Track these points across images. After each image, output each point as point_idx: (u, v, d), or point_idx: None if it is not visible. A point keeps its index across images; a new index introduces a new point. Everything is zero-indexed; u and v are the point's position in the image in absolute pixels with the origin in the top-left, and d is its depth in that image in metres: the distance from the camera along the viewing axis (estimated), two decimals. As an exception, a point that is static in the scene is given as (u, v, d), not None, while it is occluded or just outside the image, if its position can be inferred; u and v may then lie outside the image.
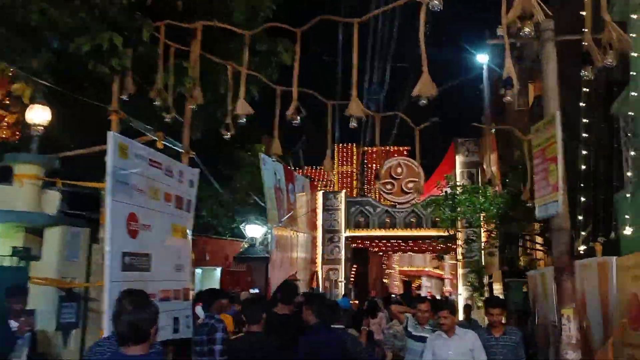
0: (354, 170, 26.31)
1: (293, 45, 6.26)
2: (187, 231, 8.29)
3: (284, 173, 16.33)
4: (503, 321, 6.05)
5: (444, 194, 15.96)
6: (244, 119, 5.99)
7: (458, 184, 13.68)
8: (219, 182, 16.94)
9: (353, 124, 5.36)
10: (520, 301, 12.24)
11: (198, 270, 15.22)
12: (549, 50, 5.17)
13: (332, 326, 5.90)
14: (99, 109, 7.70)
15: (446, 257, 43.97)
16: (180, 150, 8.13)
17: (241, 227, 15.25)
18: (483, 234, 15.12)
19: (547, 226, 10.32)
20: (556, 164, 4.92)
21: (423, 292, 40.35)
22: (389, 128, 27.11)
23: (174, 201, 7.67)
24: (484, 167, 18.89)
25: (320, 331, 5.35)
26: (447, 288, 42.77)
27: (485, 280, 17.33)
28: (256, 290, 11.40)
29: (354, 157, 26.28)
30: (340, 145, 25.76)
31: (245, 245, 14.81)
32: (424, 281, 42.28)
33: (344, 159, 26.05)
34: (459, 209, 12.12)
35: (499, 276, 13.01)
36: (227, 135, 6.75)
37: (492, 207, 10.61)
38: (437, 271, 42.83)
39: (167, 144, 7.73)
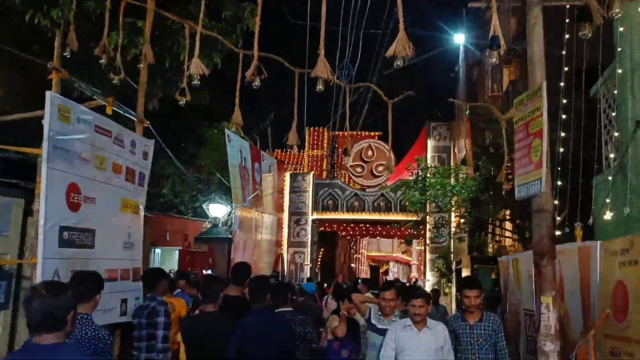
0: (324, 154, 26.01)
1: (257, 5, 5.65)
2: (140, 207, 7.66)
3: (250, 151, 15.71)
4: (480, 306, 5.19)
5: (414, 176, 15.61)
6: (198, 80, 5.37)
7: (429, 166, 13.29)
8: (183, 159, 16.24)
9: (320, 86, 4.81)
10: (489, 288, 11.98)
11: (157, 250, 14.57)
12: (536, 13, 4.71)
13: (278, 310, 5.47)
14: (46, 70, 6.99)
15: (414, 242, 44.20)
16: (134, 118, 7.46)
17: (204, 206, 14.58)
18: (453, 219, 14.81)
19: (519, 211, 10.01)
20: (541, 139, 4.49)
21: (390, 278, 40.41)
22: (360, 112, 26.76)
23: (124, 173, 7.03)
24: (456, 149, 18.65)
25: (257, 314, 4.93)
26: (414, 274, 42.96)
27: (453, 266, 17.10)
28: (208, 272, 10.82)
29: (325, 141, 26.14)
30: (312, 129, 25.61)
31: (208, 226, 14.16)
32: (392, 266, 42.31)
33: (315, 142, 25.85)
34: (429, 192, 11.71)
35: (467, 262, 12.71)
36: (182, 102, 6.13)
37: (463, 191, 10.22)
38: (405, 257, 42.91)
39: (118, 110, 7.05)
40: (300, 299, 9.15)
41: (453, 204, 10.94)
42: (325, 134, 26.27)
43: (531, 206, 4.76)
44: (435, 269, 18.07)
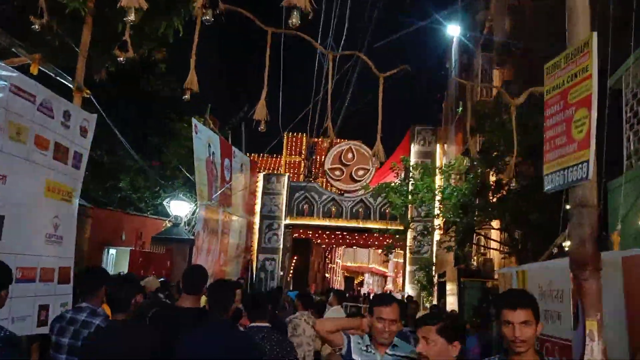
0: (302, 160, 24.91)
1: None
2: (73, 194, 6.33)
3: (220, 146, 14.38)
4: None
5: (399, 178, 14.45)
6: (133, 17, 4.09)
7: (416, 165, 12.01)
8: (146, 152, 14.89)
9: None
10: (475, 304, 10.89)
11: (112, 251, 13.13)
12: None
13: (250, 324, 4.28)
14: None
15: (391, 254, 43.11)
16: (71, 85, 6.15)
17: (165, 203, 13.22)
18: (437, 227, 13.65)
19: (513, 220, 8.91)
20: (589, 108, 3.34)
21: (364, 289, 39.19)
22: (338, 118, 25.71)
23: (51, 149, 5.69)
24: (440, 154, 17.57)
25: (206, 330, 3.65)
26: (389, 286, 41.83)
27: (435, 279, 16.00)
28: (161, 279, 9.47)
29: (303, 147, 25.15)
30: (290, 134, 24.63)
31: (168, 225, 12.80)
32: (367, 278, 41.13)
33: (293, 148, 24.90)
34: (414, 196, 10.54)
35: (453, 275, 11.60)
36: (122, 58, 4.84)
37: (455, 194, 9.12)
38: (381, 268, 41.78)
39: (47, 71, 5.73)
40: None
41: (441, 209, 9.84)
42: (304, 139, 25.21)
43: (568, 200, 3.61)
44: (416, 282, 16.92)
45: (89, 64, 6.63)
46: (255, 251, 17.96)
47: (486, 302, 10.94)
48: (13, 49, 5.55)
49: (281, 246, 18.12)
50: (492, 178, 10.06)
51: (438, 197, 9.88)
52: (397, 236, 13.15)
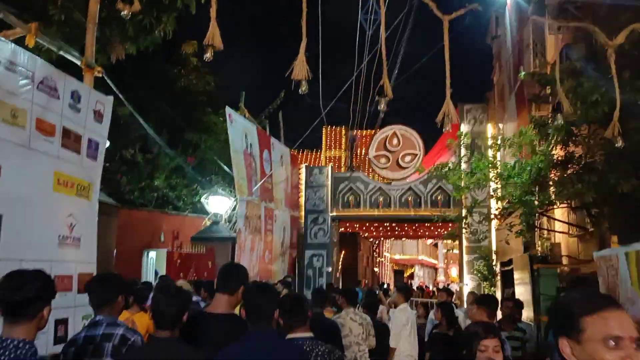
0: (343, 155, 23.95)
1: None
2: (92, 189, 5.50)
3: (258, 137, 13.49)
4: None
5: (457, 155, 13.14)
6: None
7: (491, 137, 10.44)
8: (182, 149, 14.17)
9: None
10: (553, 293, 9.63)
11: (152, 254, 12.42)
12: None
13: (290, 335, 3.42)
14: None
15: (439, 244, 41.65)
16: (78, 62, 5.30)
17: (203, 200, 12.41)
18: (495, 209, 12.32)
19: (603, 194, 7.63)
20: None
21: (415, 283, 37.92)
22: (377, 112, 24.71)
23: (58, 136, 4.84)
24: (492, 133, 16.21)
25: (250, 342, 2.99)
26: (440, 278, 40.42)
27: (497, 267, 14.71)
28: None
29: (343, 141, 24.23)
30: (329, 127, 23.77)
31: (208, 223, 12.01)
32: (417, 270, 39.83)
33: (333, 142, 24.03)
34: (478, 174, 9.26)
35: (522, 262, 10.34)
36: (126, 12, 3.92)
37: (526, 169, 7.82)
38: (431, 260, 40.42)
39: (48, 45, 4.87)
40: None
41: (507, 189, 8.55)
42: (344, 132, 24.26)
43: None
44: (475, 272, 15.67)
45: (102, 42, 5.77)
46: (301, 247, 17.05)
47: (565, 290, 9.69)
48: (4, 19, 4.72)
49: (328, 241, 17.14)
50: (560, 152, 8.79)
51: (504, 175, 8.65)
52: (458, 223, 11.82)
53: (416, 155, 17.45)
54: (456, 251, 40.14)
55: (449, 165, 10.07)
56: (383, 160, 17.70)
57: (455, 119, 4.35)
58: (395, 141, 17.68)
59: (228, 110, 11.18)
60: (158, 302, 3.07)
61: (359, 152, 23.71)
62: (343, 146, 24.48)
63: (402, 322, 6.93)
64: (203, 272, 10.67)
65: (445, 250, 40.85)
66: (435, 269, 42.52)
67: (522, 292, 10.72)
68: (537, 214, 8.96)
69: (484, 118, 16.91)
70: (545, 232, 13.12)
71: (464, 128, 16.84)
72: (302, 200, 17.29)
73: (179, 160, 12.38)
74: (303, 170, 17.50)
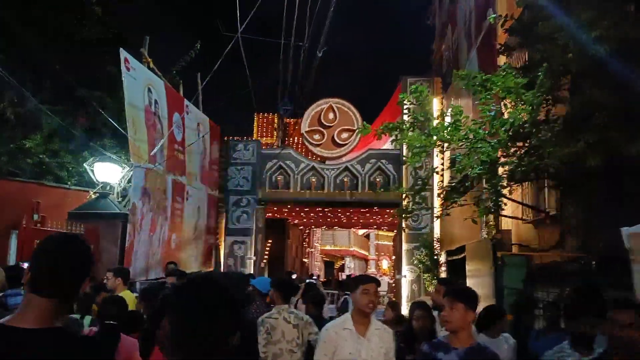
0: (274, 143, 22.23)
1: None
2: None
3: (167, 95, 11.10)
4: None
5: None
6: None
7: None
8: (74, 107, 11.53)
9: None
10: (520, 287, 7.99)
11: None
12: None
13: None
14: None
15: (371, 235, 40.31)
16: None
17: (86, 166, 9.87)
18: (438, 190, 10.40)
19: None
20: None
21: (346, 274, 36.38)
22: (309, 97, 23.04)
23: None
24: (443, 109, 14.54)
25: None
26: (372, 270, 39.08)
27: (442, 257, 13.09)
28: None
29: (275, 129, 22.90)
30: (260, 114, 22.29)
31: (93, 197, 9.51)
32: (348, 262, 38.31)
33: (264, 129, 22.62)
34: (442, 132, 7.22)
35: (483, 250, 8.65)
36: None
37: (508, 121, 5.93)
38: (362, 251, 39.03)
39: None
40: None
41: (481, 153, 6.64)
42: (276, 120, 22.76)
43: None
44: (415, 262, 14.02)
45: None
46: (222, 233, 14.81)
47: (531, 284, 8.07)
48: None
49: (253, 226, 14.99)
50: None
51: (474, 134, 6.76)
52: (406, 209, 9.85)
53: (354, 131, 15.58)
54: (386, 242, 39.06)
55: (402, 123, 8.14)
56: (317, 136, 15.74)
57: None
58: (331, 115, 15.76)
59: (123, 53, 8.76)
60: None
61: (291, 141, 22.01)
62: (275, 133, 22.99)
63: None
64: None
65: (377, 242, 39.63)
66: (367, 261, 41.22)
67: (477, 284, 9.03)
68: (501, 190, 7.20)
69: (429, 91, 15.22)
70: (491, 217, 11.51)
71: (408, 104, 15.09)
72: (223, 180, 15.05)
73: (56, 119, 9.78)
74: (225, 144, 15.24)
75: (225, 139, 15.25)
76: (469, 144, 7.05)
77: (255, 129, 22.86)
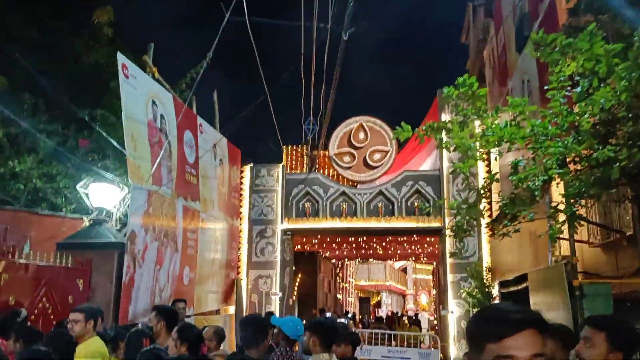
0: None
1: None
2: None
3: (176, 109, 9.97)
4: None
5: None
6: None
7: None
8: (77, 129, 10.49)
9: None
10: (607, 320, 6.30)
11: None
12: None
13: None
14: None
15: (408, 269, 38.28)
16: None
17: (79, 188, 8.65)
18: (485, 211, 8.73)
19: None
20: None
21: (383, 310, 34.38)
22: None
23: None
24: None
25: None
26: (410, 306, 36.96)
27: (495, 289, 11.38)
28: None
29: (304, 162, 21.67)
30: (290, 147, 21.20)
31: (87, 224, 8.31)
32: (384, 297, 36.30)
33: (293, 163, 21.48)
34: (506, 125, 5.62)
35: (553, 278, 7.02)
36: None
37: (598, 102, 4.43)
38: (399, 286, 37.05)
39: None
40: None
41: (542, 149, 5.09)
42: (305, 151, 21.61)
43: None
44: (464, 295, 12.33)
45: None
46: (243, 267, 13.44)
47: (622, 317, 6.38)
48: None
49: (278, 259, 13.58)
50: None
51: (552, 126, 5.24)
52: (461, 231, 8.24)
53: (387, 152, 14.19)
54: (424, 276, 36.98)
55: (449, 122, 6.73)
56: (347, 158, 14.39)
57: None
58: (361, 135, 14.41)
59: (121, 58, 7.64)
60: None
61: (321, 173, 20.78)
62: (305, 167, 21.83)
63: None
64: (67, 297, 6.91)
65: (414, 276, 37.63)
66: (404, 296, 39.14)
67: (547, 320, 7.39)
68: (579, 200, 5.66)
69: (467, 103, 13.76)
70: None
71: (446, 117, 13.67)
72: (244, 207, 13.76)
73: (52, 140, 8.70)
74: (247, 170, 14.01)
75: (248, 166, 14.01)
76: (536, 145, 5.58)
77: (284, 162, 21.81)
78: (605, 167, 4.55)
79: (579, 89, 4.73)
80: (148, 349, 3.77)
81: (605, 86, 4.52)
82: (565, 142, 5.19)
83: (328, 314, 17.26)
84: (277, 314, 12.33)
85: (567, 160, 6.11)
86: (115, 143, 8.20)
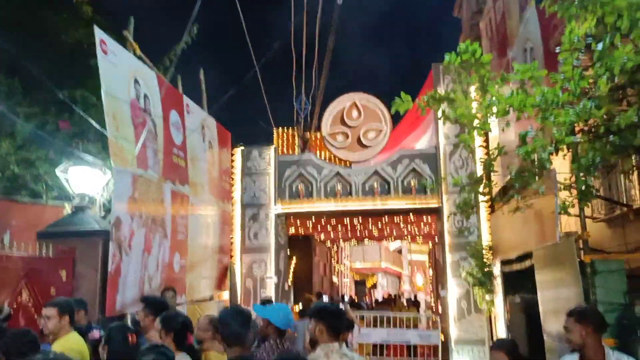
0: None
1: None
2: None
3: (160, 89, 9.50)
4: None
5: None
6: None
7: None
8: (57, 111, 10.01)
9: None
10: (622, 301, 6.03)
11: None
12: None
13: None
14: None
15: (403, 250, 38.10)
16: None
17: (58, 173, 8.21)
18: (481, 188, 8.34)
19: None
20: None
21: (379, 293, 34.29)
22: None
23: None
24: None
25: None
26: (406, 287, 36.87)
27: (496, 268, 11.08)
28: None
29: (296, 144, 21.35)
30: (280, 129, 20.83)
31: (69, 211, 7.88)
32: (380, 279, 36.18)
33: (284, 145, 21.11)
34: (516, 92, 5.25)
35: (561, 254, 6.69)
36: None
37: (607, 69, 4.14)
38: (395, 268, 36.91)
39: None
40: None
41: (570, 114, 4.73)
42: (296, 134, 21.25)
43: None
44: (464, 275, 12.04)
45: None
46: (236, 251, 13.08)
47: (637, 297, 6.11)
48: None
49: (272, 243, 13.22)
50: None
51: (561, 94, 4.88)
52: (467, 206, 7.85)
53: (382, 130, 13.80)
54: (419, 257, 36.80)
55: (451, 92, 6.35)
56: (340, 137, 13.98)
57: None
58: (355, 113, 14.00)
59: (99, 33, 7.16)
60: None
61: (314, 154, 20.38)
62: (297, 149, 21.46)
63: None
64: (49, 289, 6.52)
65: (410, 257, 37.47)
66: (400, 278, 39.05)
67: (555, 299, 7.07)
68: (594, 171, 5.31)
69: (467, 78, 13.35)
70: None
71: (442, 91, 13.22)
72: (236, 190, 13.36)
73: (31, 123, 8.22)
74: (238, 152, 13.58)
75: (239, 148, 13.57)
76: (547, 114, 5.19)
77: (275, 145, 21.43)
78: (626, 132, 4.19)
79: (600, 46, 4.34)
80: (155, 347, 3.27)
81: (626, 45, 4.15)
82: (577, 109, 4.82)
83: (324, 298, 16.98)
84: (273, 298, 12.00)
85: (576, 130, 5.76)
86: (95, 124, 7.75)
